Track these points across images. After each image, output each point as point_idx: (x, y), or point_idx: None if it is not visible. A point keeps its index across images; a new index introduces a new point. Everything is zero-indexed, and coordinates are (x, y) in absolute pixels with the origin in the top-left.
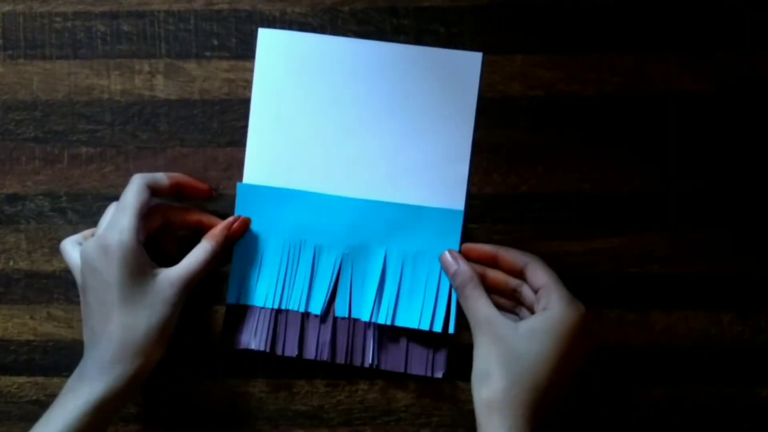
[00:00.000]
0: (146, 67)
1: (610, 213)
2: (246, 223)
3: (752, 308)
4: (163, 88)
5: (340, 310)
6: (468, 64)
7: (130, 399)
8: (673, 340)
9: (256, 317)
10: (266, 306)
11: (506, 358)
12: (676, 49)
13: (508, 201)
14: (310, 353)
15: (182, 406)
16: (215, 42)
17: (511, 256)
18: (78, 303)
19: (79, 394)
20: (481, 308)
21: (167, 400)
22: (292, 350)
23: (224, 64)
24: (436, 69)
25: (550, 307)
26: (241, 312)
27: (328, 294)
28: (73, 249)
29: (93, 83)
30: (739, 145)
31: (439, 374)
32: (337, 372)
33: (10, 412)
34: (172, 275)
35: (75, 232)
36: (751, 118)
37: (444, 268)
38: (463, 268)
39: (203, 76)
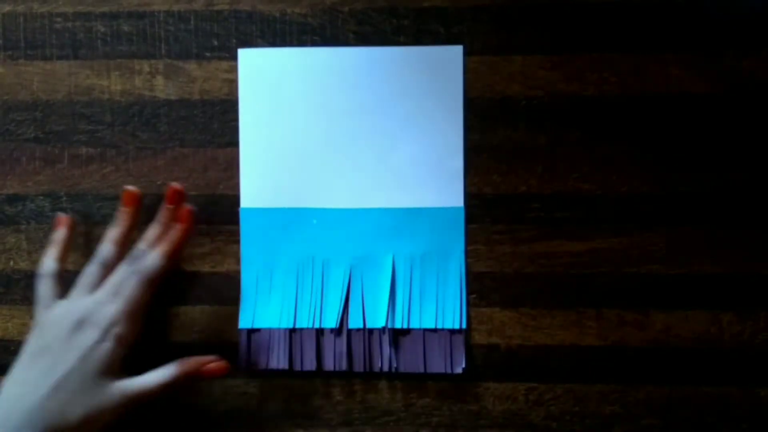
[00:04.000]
0: (146, 68)
1: (609, 213)
2: (223, 369)
3: (752, 308)
4: (163, 88)
5: (354, 321)
6: (450, 58)
7: None
8: (672, 340)
9: (272, 337)
10: (281, 326)
11: None
12: (676, 49)
13: (507, 201)
14: (328, 365)
15: (181, 407)
16: (215, 42)
17: None
18: None
19: None
20: None
21: (166, 399)
22: (311, 364)
23: (224, 64)
24: (418, 67)
25: None
26: (255, 335)
27: (341, 307)
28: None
29: (93, 83)
30: (740, 145)
31: (458, 369)
32: (335, 372)
33: None
34: (126, 386)
35: (75, 232)
36: (751, 119)
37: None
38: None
39: (203, 77)
